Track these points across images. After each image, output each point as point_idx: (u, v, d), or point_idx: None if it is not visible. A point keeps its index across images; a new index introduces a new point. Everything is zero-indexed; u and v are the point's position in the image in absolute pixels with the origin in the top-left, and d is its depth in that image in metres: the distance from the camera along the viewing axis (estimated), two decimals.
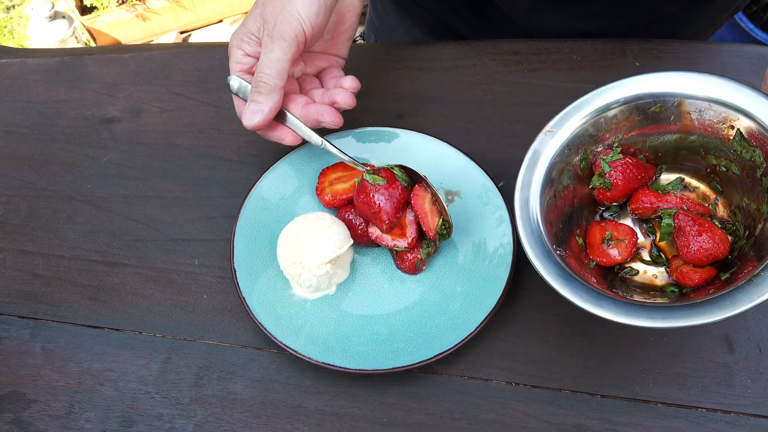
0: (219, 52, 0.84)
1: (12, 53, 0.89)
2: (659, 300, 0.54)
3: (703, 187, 0.59)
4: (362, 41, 1.26)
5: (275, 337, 0.59)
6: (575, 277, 0.51)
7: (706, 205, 0.58)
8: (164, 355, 0.62)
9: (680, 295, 0.55)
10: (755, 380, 0.56)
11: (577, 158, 0.58)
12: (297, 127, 0.65)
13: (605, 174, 0.58)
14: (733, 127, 0.54)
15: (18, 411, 0.60)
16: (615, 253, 0.57)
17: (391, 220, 0.60)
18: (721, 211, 0.58)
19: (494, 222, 0.64)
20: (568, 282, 0.50)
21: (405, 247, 0.61)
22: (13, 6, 2.47)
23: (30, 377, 0.62)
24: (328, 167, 0.67)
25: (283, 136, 0.65)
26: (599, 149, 0.59)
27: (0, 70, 0.86)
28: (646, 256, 0.59)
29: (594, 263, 0.57)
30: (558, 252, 0.53)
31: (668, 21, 0.80)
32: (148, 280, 0.67)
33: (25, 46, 2.26)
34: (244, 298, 0.61)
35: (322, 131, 0.66)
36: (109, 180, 0.75)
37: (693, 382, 0.57)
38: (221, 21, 2.43)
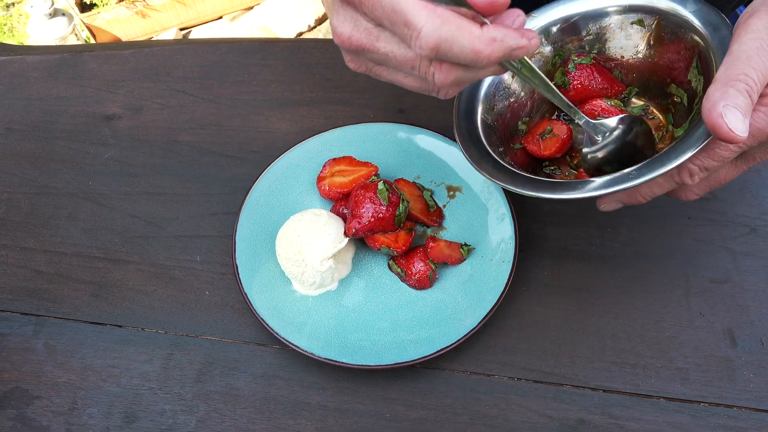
0: (219, 48, 0.84)
1: (12, 50, 0.89)
2: None
3: (661, 118, 0.60)
4: None
5: (277, 333, 0.59)
6: (490, 152, 0.54)
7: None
8: (167, 351, 0.63)
9: None
10: (758, 375, 0.56)
11: (549, 49, 0.60)
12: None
13: (567, 73, 0.59)
14: (694, 54, 0.54)
15: (21, 407, 0.60)
16: (543, 146, 0.59)
17: (356, 233, 0.61)
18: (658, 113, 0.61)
19: (496, 217, 0.63)
20: (481, 155, 0.54)
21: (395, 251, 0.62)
22: (13, 3, 2.47)
23: (33, 373, 0.62)
24: (335, 158, 0.67)
25: (519, 35, 0.41)
26: (574, 50, 0.60)
27: (0, 67, 0.86)
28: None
29: (520, 145, 0.60)
30: (493, 138, 0.56)
31: None
32: (150, 277, 0.67)
33: (25, 44, 2.25)
34: (246, 294, 0.61)
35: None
36: (111, 177, 0.75)
37: (695, 376, 0.57)
38: (221, 17, 2.43)
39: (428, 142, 0.69)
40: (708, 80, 0.51)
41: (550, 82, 0.50)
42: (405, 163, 0.69)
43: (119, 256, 0.69)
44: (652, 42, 0.58)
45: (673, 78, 0.58)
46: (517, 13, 0.43)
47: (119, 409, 0.60)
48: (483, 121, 0.57)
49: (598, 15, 0.59)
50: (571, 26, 0.60)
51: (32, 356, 0.63)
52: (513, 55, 0.41)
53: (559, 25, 0.59)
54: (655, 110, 0.61)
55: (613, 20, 0.59)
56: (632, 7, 0.58)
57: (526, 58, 0.46)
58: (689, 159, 0.46)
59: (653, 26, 0.57)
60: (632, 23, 0.58)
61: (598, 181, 0.48)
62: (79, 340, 0.64)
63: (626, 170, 0.47)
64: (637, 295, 0.61)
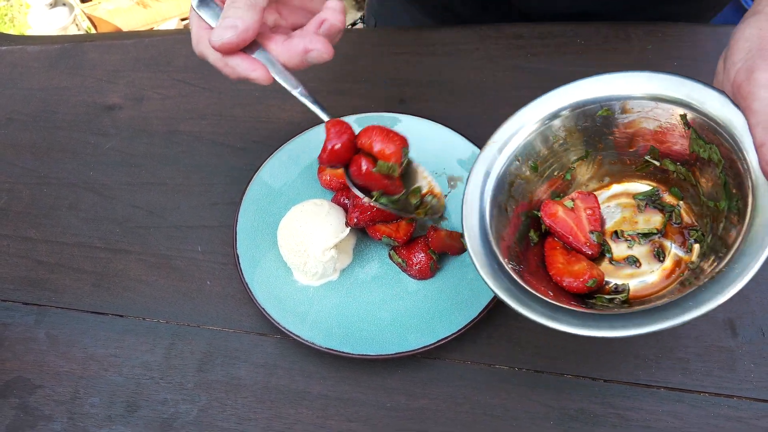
0: None
1: (12, 40, 0.89)
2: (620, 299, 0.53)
3: (666, 196, 0.57)
4: (362, 25, 1.25)
5: (278, 323, 0.59)
6: (527, 288, 0.49)
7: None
8: (168, 340, 0.63)
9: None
10: (759, 365, 0.56)
11: (527, 172, 0.56)
12: (272, 64, 0.55)
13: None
14: (688, 125, 0.51)
15: (23, 396, 0.61)
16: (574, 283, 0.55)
17: (358, 223, 0.60)
18: (686, 217, 0.56)
19: None
20: (519, 296, 0.48)
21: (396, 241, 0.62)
22: None
23: (35, 363, 0.63)
24: None
25: (252, 68, 0.54)
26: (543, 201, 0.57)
27: (0, 57, 0.86)
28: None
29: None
30: (512, 266, 0.51)
31: (670, 0, 0.79)
32: (152, 267, 0.67)
33: (25, 34, 2.25)
34: (247, 283, 0.61)
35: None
36: (112, 167, 0.75)
37: (696, 366, 0.57)
38: None
39: (429, 132, 0.69)
40: (721, 144, 0.48)
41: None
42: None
43: (120, 246, 0.69)
44: (628, 126, 0.55)
45: (664, 155, 0.55)
46: (328, 17, 0.55)
47: (121, 399, 0.60)
48: (512, 268, 0.51)
49: (553, 117, 0.55)
50: (537, 139, 0.56)
51: (34, 346, 0.64)
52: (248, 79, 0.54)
53: (525, 143, 0.55)
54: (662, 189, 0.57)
55: (573, 116, 0.55)
56: (594, 100, 0.54)
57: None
58: None
59: (621, 109, 0.53)
60: (598, 114, 0.54)
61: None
62: (81, 329, 0.64)
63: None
64: None
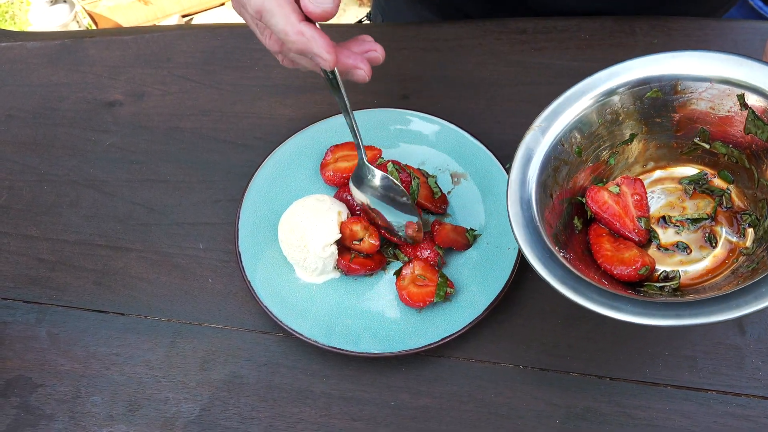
0: (221, 33, 0.83)
1: (12, 36, 0.88)
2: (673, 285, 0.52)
3: (714, 180, 0.56)
4: (368, 21, 1.25)
5: (281, 321, 0.58)
6: (583, 278, 0.47)
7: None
8: (170, 339, 0.62)
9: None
10: (767, 363, 0.56)
11: (571, 156, 0.54)
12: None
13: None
14: (746, 106, 0.50)
15: (24, 395, 0.60)
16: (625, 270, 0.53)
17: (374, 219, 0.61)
18: (737, 201, 0.54)
19: (502, 204, 0.63)
20: (576, 285, 0.46)
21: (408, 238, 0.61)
22: None
23: (36, 362, 0.62)
24: (337, 145, 0.67)
25: (355, 63, 0.52)
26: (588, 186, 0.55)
27: (0, 53, 0.86)
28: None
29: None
30: (562, 254, 0.49)
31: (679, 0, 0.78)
32: (153, 264, 0.67)
33: (25, 31, 2.24)
34: (249, 281, 0.60)
35: None
36: (112, 164, 0.74)
37: (703, 364, 0.56)
38: (223, 4, 2.41)
39: (432, 128, 0.68)
40: None
41: (348, 106, 0.53)
42: (409, 149, 0.68)
43: (121, 244, 0.68)
44: (676, 109, 0.53)
45: (715, 137, 0.53)
46: (367, 42, 0.53)
47: (123, 398, 0.59)
48: (562, 256, 0.49)
49: (604, 98, 0.54)
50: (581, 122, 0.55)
51: (35, 344, 0.63)
52: (311, 56, 0.48)
53: (569, 127, 0.54)
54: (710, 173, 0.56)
55: (621, 98, 0.54)
56: (644, 79, 0.52)
57: (337, 76, 0.53)
58: None
59: (672, 89, 0.52)
60: (647, 96, 0.53)
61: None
62: (82, 328, 0.64)
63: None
64: None
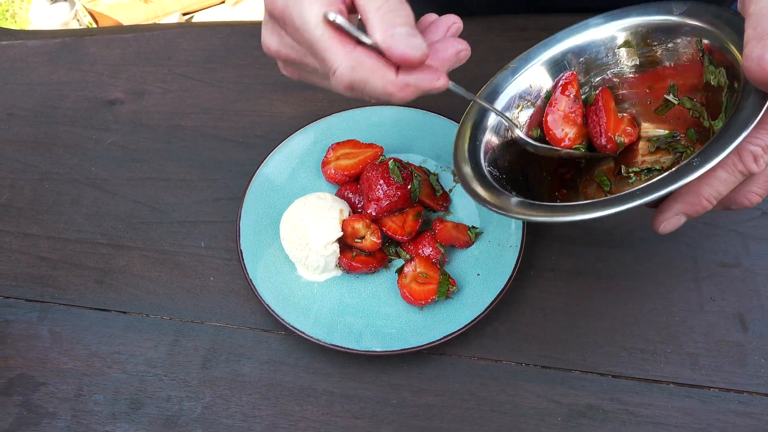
0: (222, 31, 0.83)
1: (13, 35, 0.88)
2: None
3: (682, 139, 0.57)
4: None
5: (283, 319, 0.58)
6: (497, 187, 0.50)
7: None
8: (172, 337, 0.62)
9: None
10: None
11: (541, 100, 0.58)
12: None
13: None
14: (702, 52, 0.50)
15: (27, 393, 0.60)
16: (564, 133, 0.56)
17: (376, 216, 0.61)
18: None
19: None
20: (487, 186, 0.49)
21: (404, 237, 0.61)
22: None
23: (38, 360, 0.62)
24: (339, 142, 0.67)
25: (434, 78, 0.44)
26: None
27: (1, 52, 0.85)
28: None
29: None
30: (490, 170, 0.52)
31: None
32: (155, 263, 0.67)
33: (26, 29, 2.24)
34: (251, 279, 0.60)
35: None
36: (114, 162, 0.74)
37: (705, 361, 0.56)
38: (223, 2, 2.41)
39: (433, 125, 0.68)
40: (730, 65, 0.48)
41: (475, 98, 0.52)
42: (410, 147, 0.68)
43: (123, 242, 0.68)
44: (647, 61, 0.55)
45: (689, 92, 0.54)
46: (453, 20, 0.47)
47: (125, 396, 0.59)
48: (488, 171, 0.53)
49: (584, 49, 0.57)
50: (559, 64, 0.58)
51: (37, 343, 0.63)
52: (427, 93, 0.44)
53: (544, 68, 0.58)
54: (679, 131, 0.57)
55: (600, 49, 0.56)
56: (620, 28, 0.54)
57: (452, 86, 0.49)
58: (747, 140, 0.42)
59: (642, 39, 0.54)
60: (619, 47, 0.55)
61: (644, 186, 0.43)
62: (84, 326, 0.64)
63: (673, 168, 0.42)
64: (646, 280, 0.61)
